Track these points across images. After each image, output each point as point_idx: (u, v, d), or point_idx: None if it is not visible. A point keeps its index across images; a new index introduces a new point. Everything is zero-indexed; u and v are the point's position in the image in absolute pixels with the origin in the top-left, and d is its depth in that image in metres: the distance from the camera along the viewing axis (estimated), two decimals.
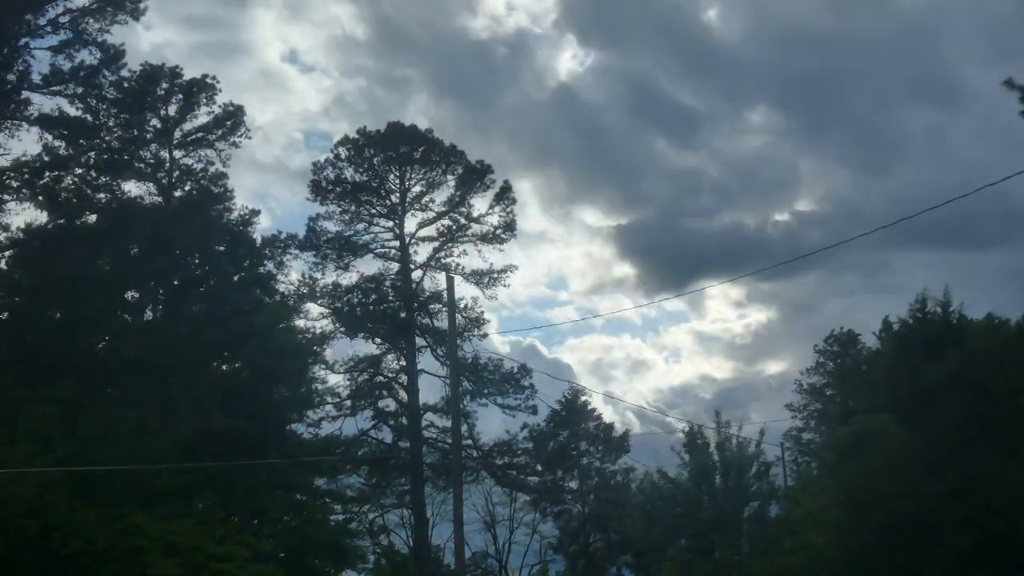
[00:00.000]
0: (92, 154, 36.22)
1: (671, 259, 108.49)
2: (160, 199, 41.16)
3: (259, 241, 45.74)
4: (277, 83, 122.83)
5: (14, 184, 32.68)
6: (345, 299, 56.13)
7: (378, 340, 56.20)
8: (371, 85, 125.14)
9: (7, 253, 33.61)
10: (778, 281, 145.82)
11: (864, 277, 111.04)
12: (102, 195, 36.64)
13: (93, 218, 35.65)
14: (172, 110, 43.45)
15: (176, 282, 38.47)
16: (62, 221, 33.70)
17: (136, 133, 39.88)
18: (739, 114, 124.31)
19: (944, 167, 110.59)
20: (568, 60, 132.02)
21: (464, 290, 56.94)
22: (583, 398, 66.95)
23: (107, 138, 37.48)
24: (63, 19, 33.58)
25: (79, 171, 35.36)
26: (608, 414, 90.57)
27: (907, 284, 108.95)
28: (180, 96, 43.30)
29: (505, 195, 57.57)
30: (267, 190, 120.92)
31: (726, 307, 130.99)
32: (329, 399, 52.67)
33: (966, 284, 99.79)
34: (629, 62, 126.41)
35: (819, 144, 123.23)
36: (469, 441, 55.99)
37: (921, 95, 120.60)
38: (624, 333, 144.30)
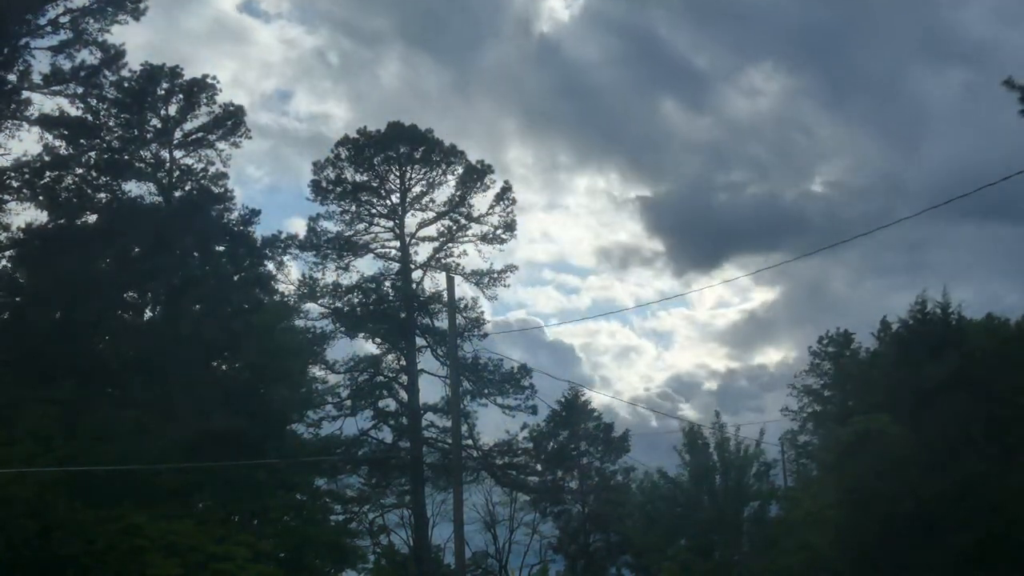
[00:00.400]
0: (92, 154, 36.28)
1: (691, 234, 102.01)
2: (160, 199, 41.11)
3: (259, 241, 45.73)
4: (234, 35, 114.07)
5: (14, 184, 32.71)
6: (345, 299, 56.15)
7: (378, 340, 56.21)
8: (336, 35, 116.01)
9: (7, 253, 33.63)
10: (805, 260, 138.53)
11: (903, 254, 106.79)
12: (102, 195, 36.69)
13: (93, 218, 35.69)
14: (172, 110, 43.34)
15: (176, 282, 38.43)
16: (62, 221, 33.74)
17: (136, 133, 39.87)
18: (750, 70, 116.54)
19: (976, 130, 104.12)
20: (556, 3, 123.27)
21: (464, 290, 56.97)
22: (583, 398, 66.96)
23: (107, 138, 37.54)
24: (63, 19, 33.63)
25: (79, 171, 35.41)
26: (616, 405, 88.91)
27: (946, 262, 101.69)
28: (180, 96, 43.20)
29: (505, 195, 57.62)
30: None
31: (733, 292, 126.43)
32: (329, 399, 52.67)
33: (1009, 260, 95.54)
34: (626, 10, 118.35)
35: (842, 107, 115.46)
36: (469, 441, 55.99)
37: (945, 53, 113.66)
38: (615, 320, 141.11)
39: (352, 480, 55.46)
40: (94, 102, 35.93)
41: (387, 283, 56.83)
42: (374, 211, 57.38)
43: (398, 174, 57.22)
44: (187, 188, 42.74)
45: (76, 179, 35.35)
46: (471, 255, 57.25)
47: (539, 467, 62.80)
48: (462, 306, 54.54)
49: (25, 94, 33.55)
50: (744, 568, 42.68)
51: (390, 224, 57.55)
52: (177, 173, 42.97)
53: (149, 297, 40.11)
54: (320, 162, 57.19)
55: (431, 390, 57.81)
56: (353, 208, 56.92)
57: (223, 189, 42.80)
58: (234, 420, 33.37)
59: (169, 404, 33.54)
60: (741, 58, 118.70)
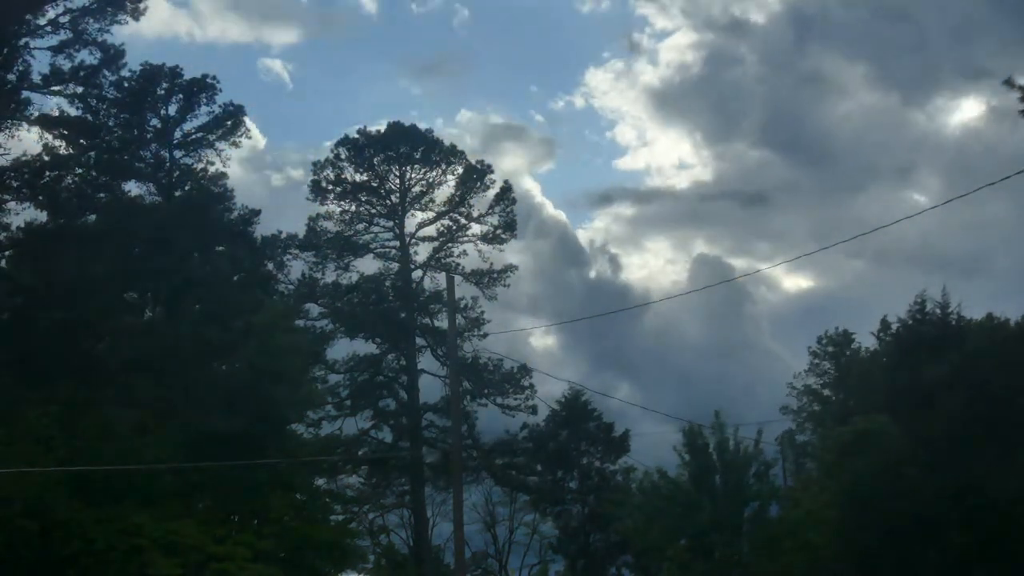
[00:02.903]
0: (92, 154, 36.21)
1: None
2: (160, 199, 41.14)
3: (259, 241, 45.77)
4: None
5: (14, 184, 32.64)
6: (345, 299, 56.18)
7: (378, 340, 56.23)
8: None
9: (7, 253, 33.58)
10: None
11: None
12: (102, 195, 36.64)
13: (93, 218, 35.64)
14: (172, 110, 43.47)
15: (176, 282, 38.44)
16: (62, 221, 33.67)
17: (136, 133, 39.88)
18: None
19: None
20: None
21: (464, 290, 57.04)
22: (583, 397, 66.83)
23: (107, 138, 37.48)
24: (63, 19, 33.52)
25: (79, 171, 35.34)
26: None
27: None
28: (180, 96, 43.30)
29: (505, 195, 57.72)
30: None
31: None
32: (329, 399, 52.69)
33: None
34: None
35: None
36: (469, 441, 56.02)
37: None
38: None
39: (352, 480, 55.57)
40: (94, 102, 35.90)
41: (387, 283, 56.89)
42: (374, 211, 57.49)
43: (398, 174, 57.32)
44: (187, 188, 42.77)
45: (76, 179, 35.30)
46: (471, 255, 57.41)
47: (539, 467, 62.86)
48: (462, 306, 54.63)
49: (25, 94, 33.49)
50: (744, 568, 42.64)
51: (390, 224, 57.64)
52: (177, 173, 43.01)
53: (149, 297, 40.11)
54: (320, 162, 57.38)
55: (431, 390, 58.04)
56: (353, 208, 57.04)
57: (223, 189, 42.89)
58: (234, 420, 33.36)
59: (169, 404, 33.50)
60: None
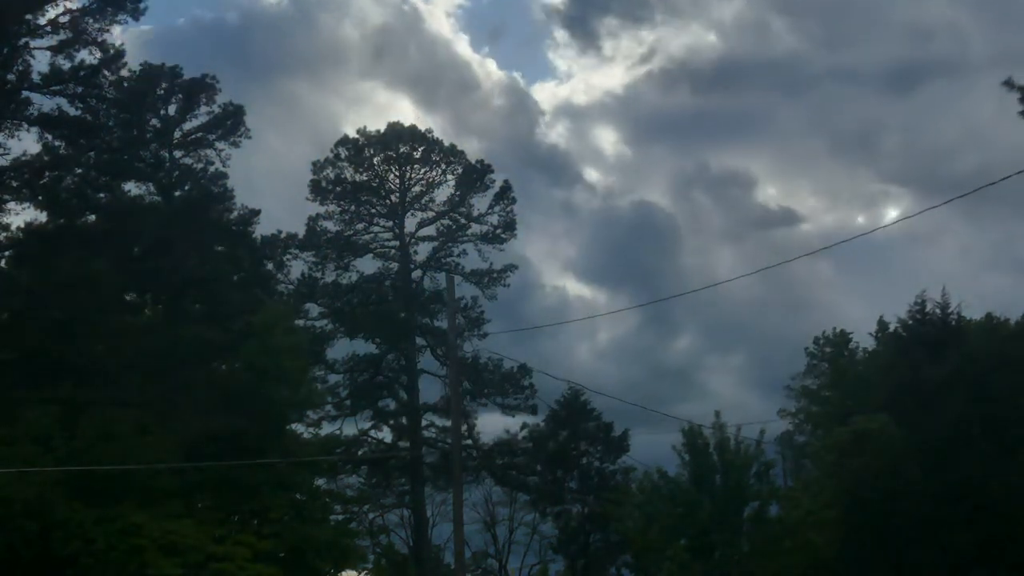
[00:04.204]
0: (92, 154, 36.22)
1: None
2: (160, 199, 41.13)
3: (259, 241, 45.76)
4: None
5: (14, 184, 32.65)
6: (345, 299, 56.19)
7: (378, 340, 56.22)
8: None
9: (7, 253, 33.60)
10: None
11: None
12: (102, 195, 36.66)
13: (93, 218, 35.66)
14: (172, 110, 43.45)
15: (176, 282, 38.43)
16: (62, 221, 33.69)
17: (136, 133, 39.86)
18: None
19: None
20: None
21: (464, 290, 57.01)
22: (582, 397, 66.75)
23: (107, 138, 37.48)
24: (63, 19, 33.53)
25: (79, 171, 35.36)
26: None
27: None
28: (180, 96, 43.28)
29: (505, 195, 57.72)
30: None
31: None
32: (329, 399, 52.67)
33: None
34: None
35: None
36: (469, 441, 56.02)
37: None
38: None
39: (352, 480, 55.53)
40: (94, 102, 35.89)
41: (387, 283, 56.91)
42: (374, 211, 57.49)
43: (398, 174, 57.31)
44: (187, 188, 42.76)
45: (76, 179, 35.32)
46: (471, 255, 57.43)
47: (539, 467, 62.83)
48: (462, 306, 54.62)
49: (25, 94, 33.48)
50: (744, 568, 42.65)
51: (390, 224, 57.65)
52: (177, 173, 42.99)
53: (149, 297, 40.10)
54: (320, 162, 57.34)
55: (431, 390, 58.03)
56: (353, 208, 57.03)
57: (223, 189, 42.87)
58: (234, 420, 33.36)
59: (169, 404, 33.51)
60: None
